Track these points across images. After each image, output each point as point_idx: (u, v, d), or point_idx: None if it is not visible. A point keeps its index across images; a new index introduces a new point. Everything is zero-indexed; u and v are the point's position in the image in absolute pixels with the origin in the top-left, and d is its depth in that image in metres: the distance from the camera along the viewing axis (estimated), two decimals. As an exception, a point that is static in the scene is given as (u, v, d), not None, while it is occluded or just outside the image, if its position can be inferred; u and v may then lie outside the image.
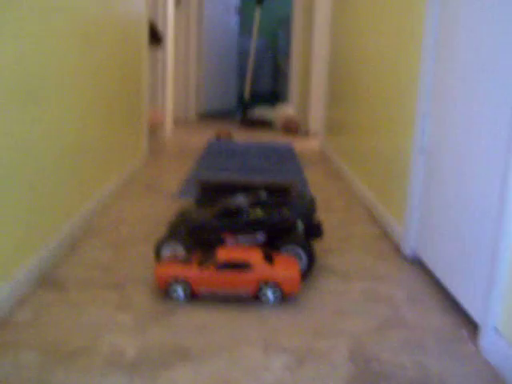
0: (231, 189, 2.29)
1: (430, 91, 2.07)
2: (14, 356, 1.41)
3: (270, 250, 1.93)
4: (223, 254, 1.78)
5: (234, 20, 7.51)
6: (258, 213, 1.99)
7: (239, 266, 1.75)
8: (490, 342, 1.49)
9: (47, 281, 1.87)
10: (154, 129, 4.85)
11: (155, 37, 4.47)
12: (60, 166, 2.08)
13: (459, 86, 1.82)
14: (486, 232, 1.57)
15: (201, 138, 5.20)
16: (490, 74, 1.59)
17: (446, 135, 1.92)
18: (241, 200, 2.01)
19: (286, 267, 1.78)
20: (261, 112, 6.32)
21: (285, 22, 8.03)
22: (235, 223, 1.97)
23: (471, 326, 1.67)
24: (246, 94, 6.41)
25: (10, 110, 1.62)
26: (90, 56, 2.45)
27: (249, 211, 1.98)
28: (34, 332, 1.54)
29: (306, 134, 5.64)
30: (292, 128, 5.67)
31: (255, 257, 1.77)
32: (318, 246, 2.30)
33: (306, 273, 1.95)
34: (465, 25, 1.79)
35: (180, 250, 1.94)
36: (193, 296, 1.78)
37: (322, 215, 2.75)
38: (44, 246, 1.93)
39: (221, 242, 1.97)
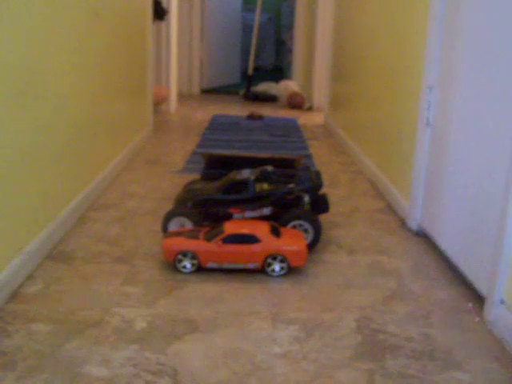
0: (237, 163, 2.29)
1: (436, 64, 2.05)
2: (25, 328, 1.43)
3: (277, 223, 1.94)
4: (230, 227, 1.79)
5: (237, -6, 7.44)
6: (265, 187, 2.00)
7: (246, 240, 1.77)
8: (495, 315, 1.51)
9: (56, 254, 1.89)
10: (159, 104, 4.83)
11: (159, 12, 4.44)
12: (68, 143, 2.08)
13: (466, 58, 1.81)
14: (492, 205, 1.57)
15: (205, 113, 5.19)
16: (499, 46, 1.58)
17: (452, 108, 1.92)
18: (247, 174, 2.02)
19: (293, 241, 1.80)
20: (265, 87, 6.29)
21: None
22: (242, 197, 1.97)
23: (477, 298, 1.68)
24: (250, 69, 6.37)
25: (16, 89, 1.62)
26: (98, 32, 2.44)
27: (255, 185, 1.99)
28: (45, 304, 1.55)
29: (310, 108, 5.61)
30: (297, 103, 5.65)
31: (262, 230, 1.78)
32: (324, 219, 2.31)
33: (312, 246, 1.97)
34: (473, -3, 1.78)
35: (187, 224, 1.95)
36: (200, 269, 1.80)
37: (327, 189, 2.76)
38: (53, 220, 1.94)
39: (228, 215, 1.98)
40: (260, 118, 4.91)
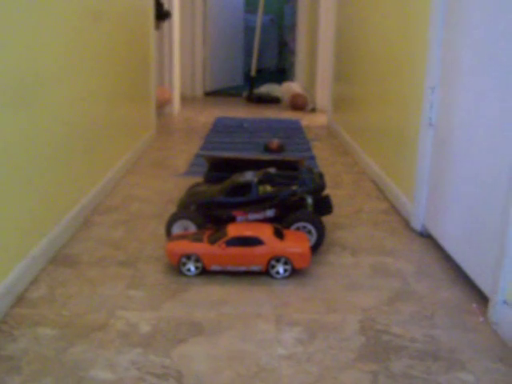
0: (240, 165, 2.29)
1: (438, 64, 2.05)
2: (30, 332, 1.44)
3: (280, 225, 1.94)
4: (233, 230, 1.80)
5: (239, -4, 7.45)
6: (268, 189, 2.00)
7: (250, 242, 1.77)
8: (499, 315, 1.51)
9: (61, 258, 1.89)
10: (162, 107, 4.85)
11: (161, 14, 4.45)
12: (71, 146, 2.09)
13: (468, 58, 1.81)
14: (496, 205, 1.57)
15: (208, 115, 5.19)
16: (500, 45, 1.58)
17: (454, 108, 1.92)
18: (250, 176, 2.02)
19: (297, 242, 1.80)
20: (267, 89, 6.30)
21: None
22: (245, 199, 1.98)
23: (481, 299, 1.68)
24: (253, 71, 6.38)
25: (18, 92, 1.63)
26: (100, 33, 2.45)
27: (258, 187, 1.99)
28: (50, 308, 1.56)
29: (313, 109, 5.62)
30: (300, 104, 5.65)
31: (265, 232, 1.79)
32: (328, 220, 2.31)
33: (316, 248, 1.97)
34: (474, -3, 1.78)
35: (191, 227, 1.96)
36: (204, 271, 1.80)
37: (330, 191, 2.76)
38: (57, 224, 1.95)
39: (231, 218, 1.98)
40: (281, 149, 3.66)
